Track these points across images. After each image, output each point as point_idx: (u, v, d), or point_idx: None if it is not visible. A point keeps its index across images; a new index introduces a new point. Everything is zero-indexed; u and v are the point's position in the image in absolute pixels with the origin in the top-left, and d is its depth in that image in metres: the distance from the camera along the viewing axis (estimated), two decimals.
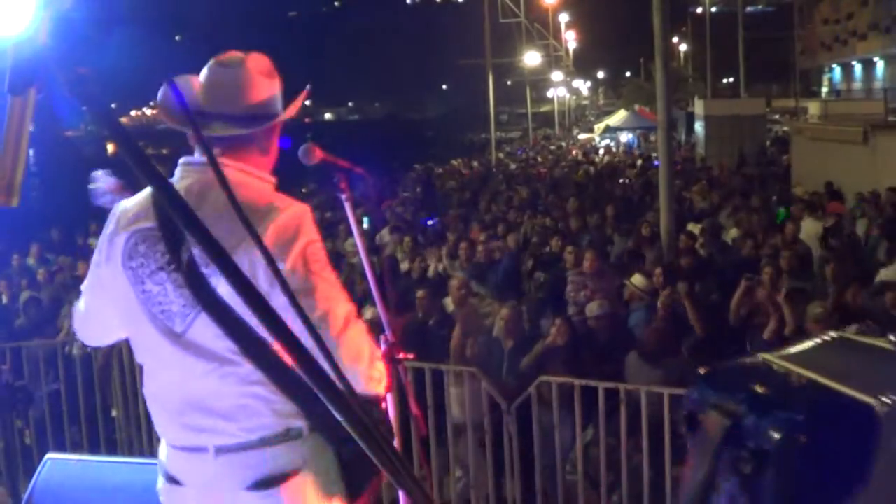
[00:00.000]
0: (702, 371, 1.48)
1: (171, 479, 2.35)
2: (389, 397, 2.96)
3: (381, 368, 2.35)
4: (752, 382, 1.37)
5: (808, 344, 1.55)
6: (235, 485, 2.22)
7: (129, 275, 2.27)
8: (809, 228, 10.47)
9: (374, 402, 2.41)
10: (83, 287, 2.47)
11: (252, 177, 2.30)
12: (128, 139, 1.00)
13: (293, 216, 2.21)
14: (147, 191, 2.31)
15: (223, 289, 2.13)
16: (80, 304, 2.48)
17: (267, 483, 2.20)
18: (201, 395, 2.22)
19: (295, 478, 2.21)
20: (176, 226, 2.13)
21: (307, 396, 2.17)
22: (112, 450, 6.65)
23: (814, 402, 1.31)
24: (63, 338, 7.09)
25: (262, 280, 2.07)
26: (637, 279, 7.55)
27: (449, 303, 7.59)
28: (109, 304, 2.37)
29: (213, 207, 2.10)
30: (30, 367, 6.62)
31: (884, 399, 1.23)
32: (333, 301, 2.18)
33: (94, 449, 6.54)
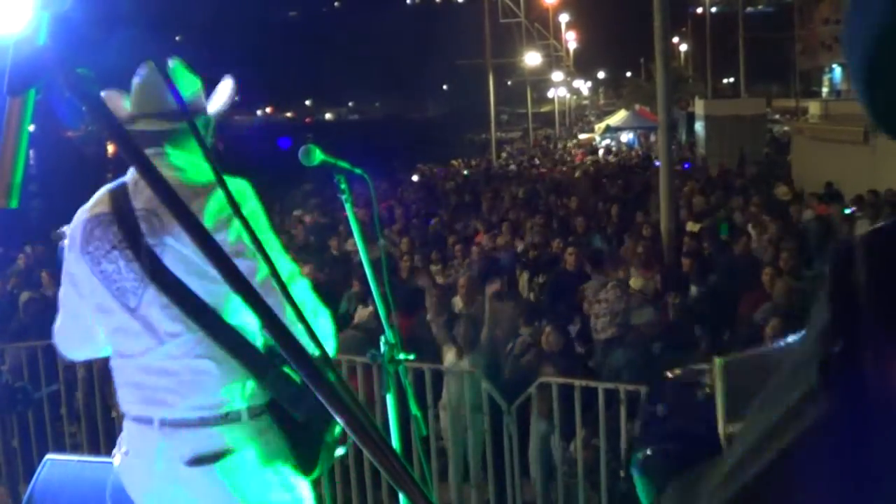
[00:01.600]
0: (665, 375, 1.46)
1: (124, 450, 2.57)
2: (389, 397, 2.96)
3: (328, 327, 2.53)
4: (661, 401, 1.33)
5: (771, 348, 1.50)
6: (174, 458, 2.39)
7: (87, 259, 2.48)
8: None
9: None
10: (59, 301, 2.65)
11: (194, 164, 2.49)
12: (127, 139, 1.00)
13: (235, 190, 2.37)
14: (101, 190, 2.56)
15: (169, 259, 2.34)
16: (58, 320, 2.66)
17: (202, 460, 2.37)
18: (152, 368, 2.41)
19: (230, 457, 2.37)
20: (126, 209, 2.42)
21: (257, 361, 2.37)
22: (112, 450, 6.64)
23: (679, 431, 1.27)
24: None
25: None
26: (634, 281, 7.53)
27: (457, 302, 7.59)
28: (79, 297, 2.55)
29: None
30: (29, 367, 6.62)
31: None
32: (257, 261, 2.33)
33: (94, 449, 6.53)
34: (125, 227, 2.42)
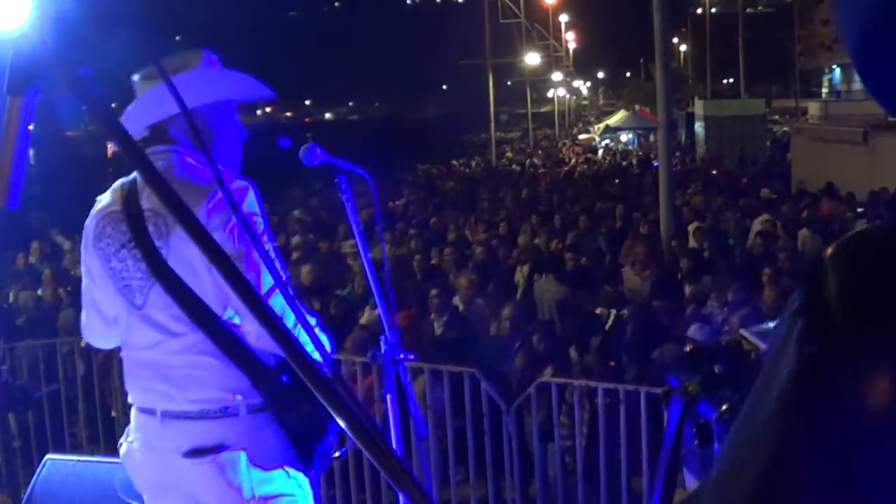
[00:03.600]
0: (687, 350, 1.63)
1: (130, 439, 2.62)
2: (389, 397, 2.96)
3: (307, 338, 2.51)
4: (716, 361, 1.50)
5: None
6: (174, 449, 2.46)
7: (99, 254, 2.55)
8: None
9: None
10: (82, 294, 2.74)
11: (200, 163, 2.50)
12: (127, 139, 1.00)
13: (234, 189, 2.40)
14: (115, 184, 2.61)
15: (173, 261, 2.39)
16: (83, 312, 2.75)
17: (200, 452, 2.43)
18: (155, 362, 2.48)
19: (227, 451, 2.43)
20: (137, 208, 2.46)
21: (253, 365, 2.43)
22: (112, 450, 6.64)
23: (755, 377, 1.38)
24: (63, 338, 7.09)
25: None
26: (630, 281, 7.50)
27: (458, 301, 7.60)
28: (94, 287, 2.64)
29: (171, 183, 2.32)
30: (29, 367, 6.62)
31: None
32: (261, 268, 2.37)
33: (94, 449, 6.53)
34: (133, 226, 2.47)
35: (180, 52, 2.58)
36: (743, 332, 1.38)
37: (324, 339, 2.56)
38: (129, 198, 2.51)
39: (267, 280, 2.37)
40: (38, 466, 3.75)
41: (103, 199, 2.62)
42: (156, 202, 2.42)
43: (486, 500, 5.80)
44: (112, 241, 2.53)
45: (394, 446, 2.90)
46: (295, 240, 11.76)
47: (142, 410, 2.56)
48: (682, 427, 1.47)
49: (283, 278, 2.44)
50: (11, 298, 9.27)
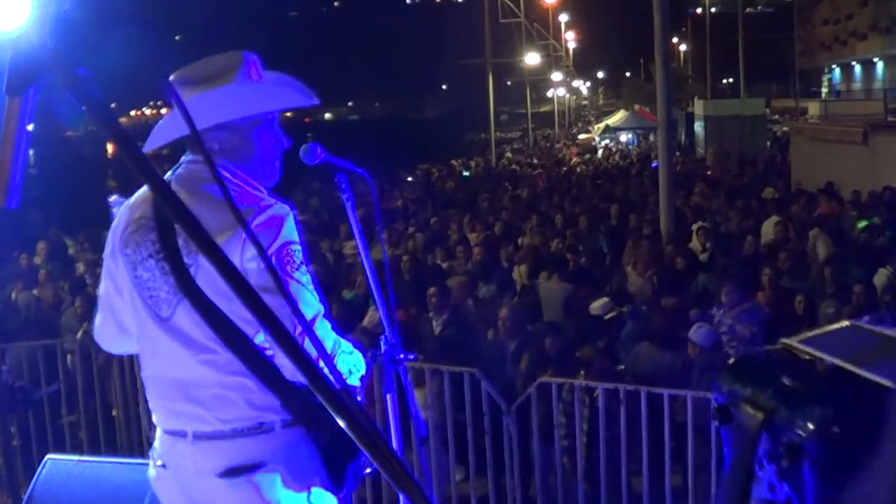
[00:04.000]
0: (730, 362, 1.54)
1: (159, 464, 2.50)
2: (389, 397, 2.96)
3: (349, 361, 2.47)
4: (780, 373, 1.41)
5: (823, 330, 1.60)
6: (208, 470, 2.35)
7: (125, 261, 2.44)
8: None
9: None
10: (98, 297, 2.63)
11: (238, 179, 2.39)
12: (127, 139, 1.00)
13: (274, 216, 2.30)
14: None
15: (202, 279, 2.28)
16: (98, 316, 2.64)
17: (236, 471, 2.33)
18: (184, 380, 2.37)
19: (262, 469, 2.34)
20: (167, 217, 2.30)
21: (284, 388, 2.31)
22: (112, 450, 6.64)
23: (842, 392, 1.35)
24: (63, 338, 7.09)
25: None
26: (596, 306, 7.43)
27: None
28: (116, 291, 2.52)
29: (199, 201, 2.21)
30: (29, 367, 6.61)
31: None
32: (301, 302, 2.27)
33: (94, 449, 6.53)
34: (164, 238, 2.35)
35: (218, 58, 2.44)
36: (787, 341, 1.28)
37: (359, 362, 2.51)
38: (160, 206, 2.36)
39: (310, 309, 2.29)
40: (38, 466, 3.74)
41: (134, 201, 2.50)
42: None
43: (487, 499, 5.80)
44: (140, 249, 2.40)
45: (394, 447, 2.91)
46: None
47: (170, 433, 2.45)
48: (757, 446, 1.36)
49: (325, 307, 2.37)
50: (13, 296, 9.27)
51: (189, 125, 1.19)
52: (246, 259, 2.21)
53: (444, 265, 9.66)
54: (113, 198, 2.65)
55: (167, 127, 2.41)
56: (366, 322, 7.12)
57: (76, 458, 3.89)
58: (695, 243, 10.22)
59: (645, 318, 7.03)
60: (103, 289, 2.59)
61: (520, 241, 11.21)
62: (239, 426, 2.34)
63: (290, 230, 2.30)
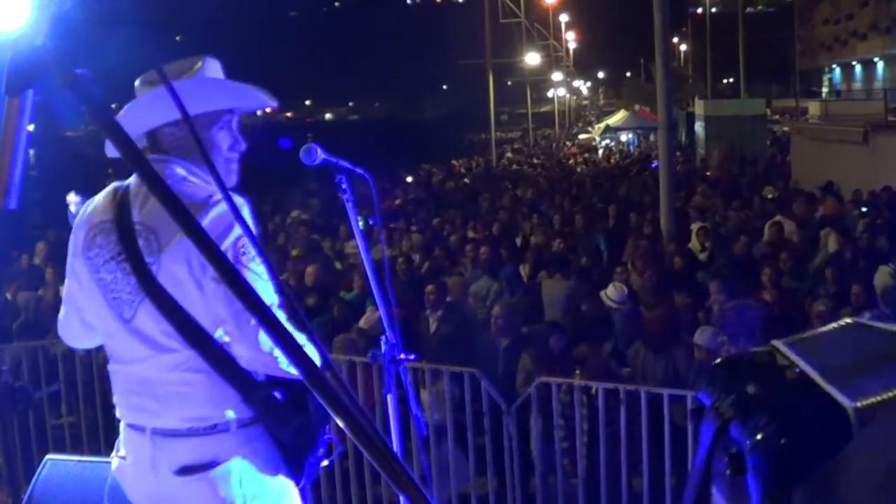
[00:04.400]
0: (716, 363, 1.53)
1: (121, 454, 2.59)
2: (389, 397, 2.96)
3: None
4: (747, 379, 1.41)
5: (824, 330, 1.60)
6: (164, 467, 2.41)
7: (88, 264, 2.49)
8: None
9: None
10: (62, 291, 2.70)
11: (195, 177, 2.42)
12: (126, 140, 1.00)
13: (223, 212, 2.32)
14: (110, 187, 2.53)
15: (163, 278, 2.33)
16: (61, 311, 2.70)
17: (191, 469, 2.38)
18: (144, 378, 2.42)
19: (217, 467, 2.38)
20: (128, 219, 2.39)
21: (244, 382, 2.37)
22: (112, 450, 6.63)
23: (794, 405, 1.34)
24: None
25: (195, 267, 2.29)
26: (611, 290, 7.48)
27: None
28: (80, 289, 2.57)
29: (155, 201, 2.22)
30: (29, 367, 6.61)
31: (858, 404, 1.26)
32: (258, 286, 2.27)
33: (94, 449, 6.53)
34: (124, 239, 2.40)
35: (182, 58, 2.50)
36: (776, 343, 1.29)
37: (313, 354, 2.53)
38: (122, 207, 2.43)
39: (266, 298, 2.30)
40: (38, 466, 3.74)
41: (95, 204, 2.54)
42: (147, 216, 2.37)
43: (487, 499, 5.80)
44: (101, 251, 2.46)
45: (394, 447, 2.90)
46: (296, 240, 11.77)
47: (131, 427, 2.51)
48: (714, 452, 1.38)
49: (279, 299, 2.34)
50: (9, 297, 9.26)
51: (182, 112, 1.20)
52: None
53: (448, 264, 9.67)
54: (72, 196, 2.70)
55: (137, 115, 2.43)
56: (362, 323, 7.12)
57: (76, 458, 3.88)
58: (694, 243, 10.23)
59: (639, 317, 7.06)
60: (67, 286, 2.65)
61: (517, 240, 11.23)
62: (195, 426, 2.39)
63: (241, 224, 2.30)
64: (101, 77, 0.99)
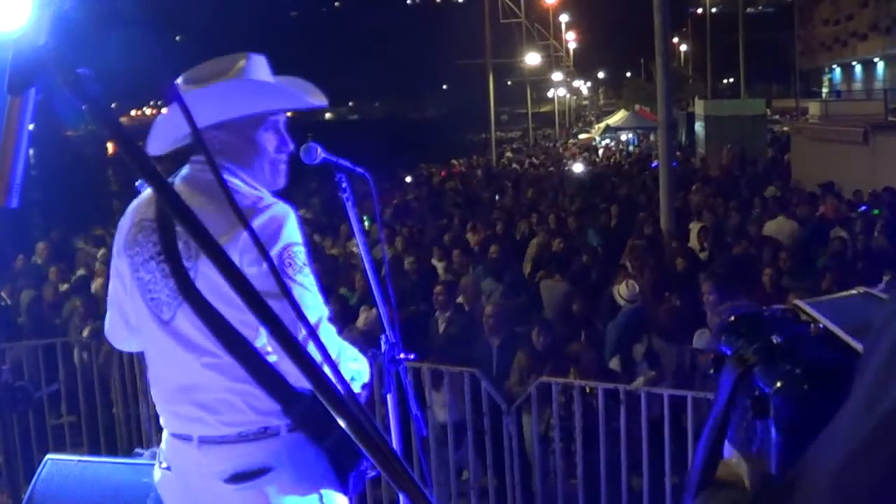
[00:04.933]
0: (733, 318, 1.59)
1: (164, 466, 2.48)
2: (390, 397, 2.96)
3: (354, 368, 2.43)
4: (772, 332, 1.47)
5: (840, 295, 1.69)
6: (213, 475, 2.32)
7: (128, 262, 2.42)
8: (784, 227, 10.46)
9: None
10: (108, 295, 2.62)
11: (239, 180, 2.35)
12: (128, 139, 1.00)
13: (274, 217, 2.24)
14: None
15: (202, 283, 2.23)
16: (108, 313, 2.62)
17: (242, 477, 2.30)
18: (188, 384, 2.33)
19: (269, 474, 2.30)
20: (170, 219, 2.27)
21: (285, 393, 2.27)
22: (112, 450, 6.65)
23: (818, 354, 1.40)
24: (66, 338, 7.08)
25: None
26: (623, 289, 7.48)
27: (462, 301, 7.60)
28: (124, 290, 2.50)
29: (200, 203, 2.16)
30: (30, 366, 6.62)
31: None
32: (304, 306, 2.20)
33: (94, 449, 6.53)
34: (165, 240, 2.32)
35: (225, 57, 2.40)
36: (797, 302, 1.35)
37: (364, 369, 2.47)
38: (163, 207, 2.31)
39: (313, 313, 2.22)
40: (38, 466, 3.74)
41: (140, 203, 2.47)
42: None
43: (487, 499, 5.80)
44: (142, 250, 2.38)
45: (394, 446, 2.91)
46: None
47: (176, 437, 2.42)
48: (735, 397, 1.43)
49: (329, 311, 2.32)
50: (5, 296, 9.26)
51: (189, 122, 1.17)
52: (246, 263, 2.15)
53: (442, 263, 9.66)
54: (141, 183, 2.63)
55: (168, 125, 2.36)
56: (359, 323, 7.09)
57: (76, 458, 3.88)
58: (694, 243, 10.23)
59: (644, 313, 7.08)
60: (112, 288, 2.57)
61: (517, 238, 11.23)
62: (244, 430, 2.30)
63: (291, 231, 2.25)
64: (102, 77, 0.99)
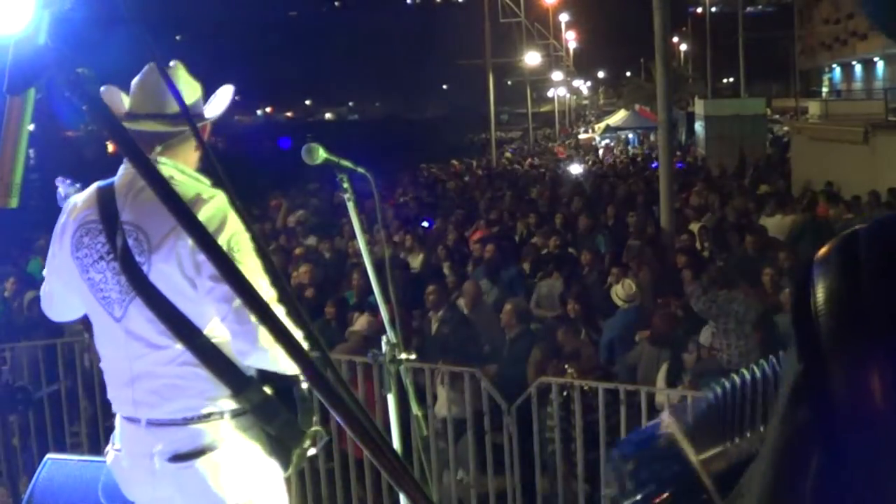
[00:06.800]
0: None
1: (117, 447, 2.68)
2: (390, 397, 2.96)
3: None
4: (639, 461, 1.26)
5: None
6: (160, 454, 2.48)
7: (77, 264, 2.53)
8: (783, 223, 10.47)
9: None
10: (45, 272, 2.74)
11: (184, 174, 2.49)
12: (127, 139, 1.00)
13: (218, 207, 2.38)
14: (93, 186, 2.57)
15: (155, 276, 2.38)
16: (44, 287, 2.76)
17: (184, 456, 2.46)
18: (138, 373, 2.48)
19: (210, 454, 2.45)
20: (113, 218, 2.44)
21: (236, 379, 2.44)
22: None
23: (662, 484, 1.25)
24: (66, 338, 7.07)
25: (188, 267, 2.34)
26: (619, 290, 7.48)
27: (462, 304, 7.59)
28: (67, 289, 2.63)
29: (149, 199, 2.33)
30: (30, 367, 6.61)
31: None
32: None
33: (94, 449, 6.53)
34: (112, 239, 2.44)
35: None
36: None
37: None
38: (107, 206, 2.47)
39: (263, 295, 2.29)
40: (38, 466, 3.74)
41: (78, 201, 2.57)
42: (136, 216, 2.41)
43: (487, 499, 5.80)
44: (90, 252, 2.49)
45: (394, 446, 2.91)
46: (299, 240, 11.78)
47: (126, 419, 2.58)
48: None
49: (276, 294, 2.37)
50: (7, 296, 9.25)
51: (182, 109, 1.21)
52: (197, 251, 2.27)
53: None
54: (60, 180, 2.71)
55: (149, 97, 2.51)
56: (356, 326, 6.99)
57: (76, 458, 3.88)
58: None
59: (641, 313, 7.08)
60: (50, 282, 2.70)
61: (516, 239, 11.22)
62: (188, 415, 2.45)
63: (235, 218, 2.36)
64: (102, 77, 0.99)
